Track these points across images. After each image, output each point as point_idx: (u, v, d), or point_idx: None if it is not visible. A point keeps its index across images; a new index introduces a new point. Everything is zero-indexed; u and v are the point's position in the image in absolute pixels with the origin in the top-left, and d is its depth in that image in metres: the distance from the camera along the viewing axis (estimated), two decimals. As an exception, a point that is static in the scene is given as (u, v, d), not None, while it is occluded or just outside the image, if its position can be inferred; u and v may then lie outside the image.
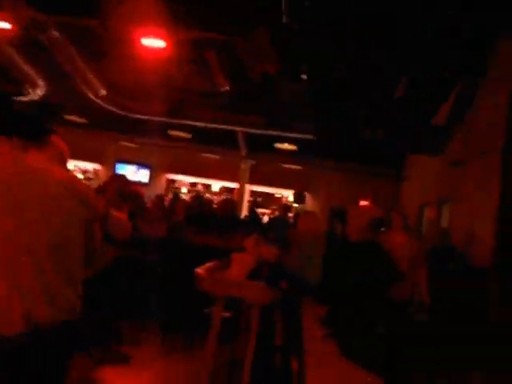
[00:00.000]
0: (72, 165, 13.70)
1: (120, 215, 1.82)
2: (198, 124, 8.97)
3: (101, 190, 4.24)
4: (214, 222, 6.58)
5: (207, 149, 12.45)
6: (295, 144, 9.00)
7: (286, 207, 9.15)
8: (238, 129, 9.60)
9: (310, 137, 8.20)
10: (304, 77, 7.78)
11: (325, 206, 12.77)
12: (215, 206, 10.19)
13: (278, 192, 13.54)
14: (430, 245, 7.24)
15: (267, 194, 13.70)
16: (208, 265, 2.68)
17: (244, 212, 12.90)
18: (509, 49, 5.79)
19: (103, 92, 8.68)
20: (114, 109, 8.74)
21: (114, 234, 1.86)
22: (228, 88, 5.34)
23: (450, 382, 3.30)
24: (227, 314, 4.44)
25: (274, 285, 2.58)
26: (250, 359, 2.35)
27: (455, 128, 7.67)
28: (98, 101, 8.64)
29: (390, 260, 3.30)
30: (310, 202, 12.80)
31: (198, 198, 9.09)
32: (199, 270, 2.41)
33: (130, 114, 8.89)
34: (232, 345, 3.03)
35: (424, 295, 4.16)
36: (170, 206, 7.44)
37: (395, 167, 12.00)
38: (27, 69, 7.99)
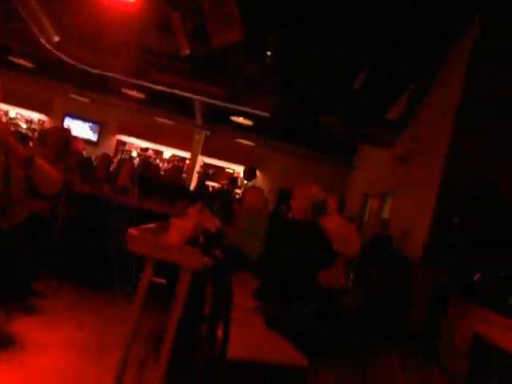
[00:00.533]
0: (14, 112, 12.94)
1: (47, 166, 1.67)
2: (155, 86, 8.66)
3: (40, 139, 4.01)
4: (159, 188, 6.46)
5: (162, 113, 12.14)
6: (251, 119, 8.94)
7: (234, 180, 9.13)
8: (195, 97, 9.37)
9: (266, 114, 8.16)
10: (269, 53, 7.71)
11: (274, 187, 12.90)
12: (163, 172, 10.02)
13: (230, 167, 13.49)
14: (371, 233, 7.54)
15: (218, 167, 13.62)
16: (143, 226, 2.61)
17: (193, 183, 12.77)
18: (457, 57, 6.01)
19: (56, 38, 8.15)
20: (65, 58, 8.24)
21: (40, 186, 1.71)
22: (189, 52, 5.17)
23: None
24: (162, 281, 4.42)
25: (208, 253, 2.56)
26: (174, 326, 2.32)
27: (405, 124, 7.93)
28: (50, 47, 8.11)
29: (328, 243, 3.37)
30: (260, 181, 12.87)
31: (146, 162, 8.87)
32: (132, 230, 2.34)
33: (83, 66, 8.43)
34: (165, 313, 2.99)
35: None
36: (117, 168, 7.21)
37: (346, 156, 12.27)
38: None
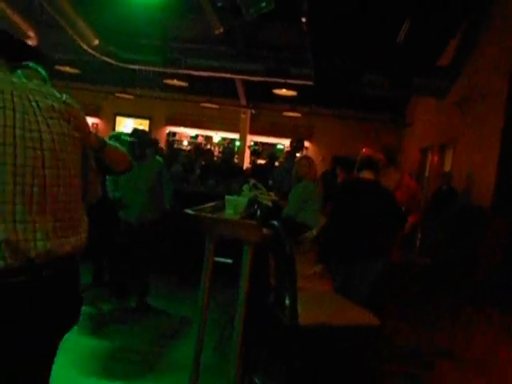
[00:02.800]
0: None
1: (115, 147, 1.72)
2: (193, 72, 8.73)
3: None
4: (213, 171, 6.56)
5: (206, 99, 12.23)
6: (294, 89, 8.79)
7: (289, 155, 9.00)
8: (235, 77, 9.36)
9: (309, 83, 7.97)
10: (303, 19, 7.47)
11: (327, 155, 12.68)
12: (216, 157, 10.14)
13: (280, 141, 13.41)
14: (433, 189, 7.24)
15: (269, 144, 13.57)
16: (200, 207, 2.65)
17: (246, 163, 12.84)
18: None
19: (96, 41, 8.39)
20: (107, 59, 8.48)
21: (113, 165, 1.76)
22: (222, 30, 5.11)
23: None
24: (228, 261, 4.51)
25: (266, 224, 2.55)
26: (244, 299, 2.35)
27: (459, 69, 7.44)
28: (91, 51, 8.37)
29: (394, 199, 3.29)
30: (311, 151, 12.69)
31: (198, 148, 9.02)
32: (188, 210, 2.38)
33: (123, 64, 8.64)
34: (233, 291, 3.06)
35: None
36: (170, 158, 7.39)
37: (398, 113, 11.78)
38: (17, 20, 7.69)
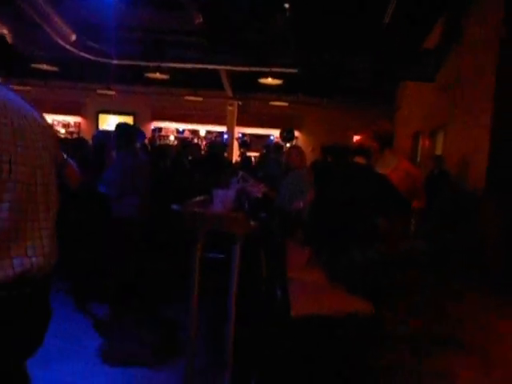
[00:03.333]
0: (51, 119, 13.44)
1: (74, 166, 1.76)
2: (177, 65, 8.69)
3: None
4: (200, 165, 6.54)
5: (191, 91, 12.17)
6: (280, 78, 8.79)
7: (278, 146, 9.03)
8: (219, 67, 9.33)
9: (294, 71, 7.98)
10: (287, 5, 7.45)
11: (316, 145, 12.70)
12: (203, 150, 10.11)
13: (268, 132, 13.41)
14: (425, 173, 7.29)
15: (257, 135, 13.56)
16: (187, 202, 2.65)
17: (235, 156, 12.83)
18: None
19: (73, 37, 8.32)
20: (85, 54, 8.41)
21: (71, 182, 1.79)
22: (201, 19, 5.10)
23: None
24: (220, 256, 4.51)
25: (254, 217, 2.57)
26: (234, 291, 2.37)
27: (446, 52, 7.48)
28: (68, 47, 8.29)
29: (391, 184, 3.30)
30: (301, 141, 12.71)
31: (185, 143, 8.99)
32: (175, 207, 2.39)
33: (102, 59, 8.58)
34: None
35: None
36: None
37: (387, 98, 11.82)
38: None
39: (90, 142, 5.18)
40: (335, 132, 11.73)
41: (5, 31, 8.09)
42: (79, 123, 13.84)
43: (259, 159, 8.09)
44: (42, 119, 1.44)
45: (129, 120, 13.31)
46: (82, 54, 8.57)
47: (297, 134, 12.60)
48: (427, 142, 8.70)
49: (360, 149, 3.37)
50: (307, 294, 2.35)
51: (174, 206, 2.38)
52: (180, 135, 13.74)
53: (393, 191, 3.24)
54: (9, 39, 8.26)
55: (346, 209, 2.98)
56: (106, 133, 4.60)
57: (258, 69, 8.44)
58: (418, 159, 9.39)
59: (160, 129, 13.88)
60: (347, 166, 3.32)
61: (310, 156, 8.72)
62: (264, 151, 8.39)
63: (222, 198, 2.92)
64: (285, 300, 2.20)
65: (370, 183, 3.20)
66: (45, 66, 9.49)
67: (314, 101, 12.26)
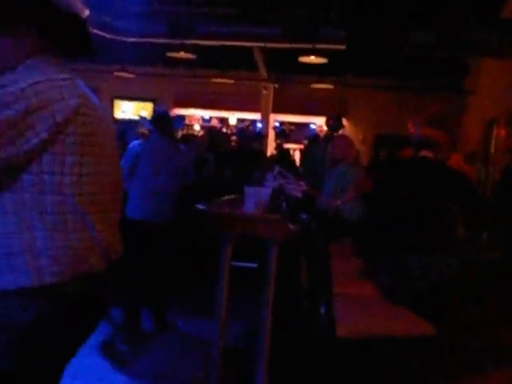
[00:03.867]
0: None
1: None
2: (203, 42, 8.75)
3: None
4: (229, 159, 6.59)
5: (219, 73, 12.20)
6: (324, 56, 8.71)
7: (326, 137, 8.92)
8: (253, 44, 9.33)
9: (341, 47, 7.89)
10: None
11: (369, 134, 12.55)
12: (233, 141, 10.16)
13: (310, 120, 13.33)
14: (501, 167, 7.07)
15: (296, 123, 13.50)
16: (214, 202, 2.68)
17: (270, 148, 12.82)
18: None
19: (86, 12, 8.51)
20: (99, 32, 8.58)
21: None
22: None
23: None
24: (254, 265, 4.53)
25: (293, 219, 2.56)
26: (271, 304, 2.38)
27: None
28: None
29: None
30: (348, 130, 12.57)
31: (212, 132, 9.06)
32: (201, 206, 2.41)
33: (120, 37, 8.74)
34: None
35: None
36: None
37: (454, 79, 11.52)
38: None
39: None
40: (390, 119, 11.54)
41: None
42: (93, 110, 14.16)
43: (304, 153, 8.04)
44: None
45: (148, 107, 13.54)
46: (96, 31, 8.75)
47: (344, 121, 12.46)
48: (503, 132, 8.45)
49: (427, 141, 3.33)
50: (356, 311, 2.33)
51: (199, 206, 2.40)
52: (206, 124, 13.85)
53: (472, 191, 3.17)
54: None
55: (415, 209, 2.93)
56: (127, 122, 4.79)
57: (298, 45, 8.39)
58: (492, 151, 9.12)
59: (183, 117, 14.02)
60: (415, 161, 3.27)
61: (360, 147, 8.63)
62: (307, 143, 8.33)
63: (256, 197, 2.92)
64: (330, 317, 2.19)
65: (444, 180, 3.15)
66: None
67: (364, 82, 12.09)
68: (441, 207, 3.08)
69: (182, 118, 5.42)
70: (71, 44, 1.54)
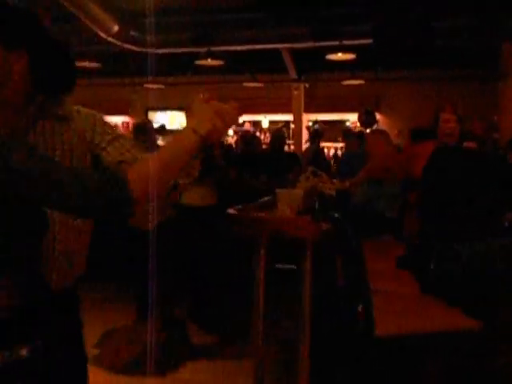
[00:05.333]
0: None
1: None
2: (230, 48, 8.82)
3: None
4: (262, 162, 6.60)
5: (248, 77, 12.26)
6: (352, 52, 8.65)
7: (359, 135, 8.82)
8: (280, 46, 9.35)
9: (369, 41, 7.81)
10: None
11: (404, 127, 12.33)
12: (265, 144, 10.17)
13: (343, 118, 13.22)
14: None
15: (330, 122, 13.41)
16: (246, 205, 2.68)
17: (304, 148, 12.77)
18: None
19: (115, 28, 8.69)
20: (129, 46, 8.76)
21: None
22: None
23: None
24: (291, 267, 4.52)
25: (326, 219, 2.54)
26: (308, 308, 2.36)
27: None
28: (111, 39, 8.68)
29: None
30: (382, 125, 12.39)
31: (247, 136, 9.09)
32: (232, 211, 2.42)
33: (149, 50, 8.88)
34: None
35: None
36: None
37: (488, 65, 11.20)
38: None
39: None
40: (425, 111, 11.30)
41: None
42: (127, 123, 14.44)
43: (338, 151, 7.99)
44: None
45: (181, 116, 13.70)
46: (126, 45, 8.93)
47: (377, 116, 12.30)
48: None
49: (469, 134, 3.30)
50: (395, 309, 2.29)
51: (230, 211, 2.40)
52: (239, 128, 13.90)
53: None
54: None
55: (464, 198, 2.86)
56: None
57: (324, 43, 8.35)
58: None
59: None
60: (460, 149, 3.23)
61: (396, 141, 8.48)
62: (341, 140, 8.25)
63: (288, 199, 2.92)
64: (368, 316, 2.15)
65: (493, 168, 3.09)
66: (87, 63, 10.00)
67: (395, 75, 11.91)
68: (490, 194, 3.03)
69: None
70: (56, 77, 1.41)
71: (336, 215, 2.39)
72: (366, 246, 2.68)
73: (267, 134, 13.41)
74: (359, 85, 12.20)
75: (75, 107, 1.52)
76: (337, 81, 12.18)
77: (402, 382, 2.11)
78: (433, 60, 10.31)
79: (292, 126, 13.51)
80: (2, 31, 1.27)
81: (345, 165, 7.02)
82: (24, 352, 1.22)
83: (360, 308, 2.26)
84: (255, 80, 12.09)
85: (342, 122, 13.36)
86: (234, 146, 8.63)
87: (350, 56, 8.73)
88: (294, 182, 4.31)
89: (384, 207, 4.37)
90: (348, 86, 12.20)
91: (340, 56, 8.67)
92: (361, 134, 8.23)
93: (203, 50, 8.90)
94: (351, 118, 12.96)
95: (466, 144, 3.40)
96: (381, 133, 4.78)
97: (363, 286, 2.24)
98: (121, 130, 14.55)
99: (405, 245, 3.33)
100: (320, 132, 12.49)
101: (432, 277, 2.81)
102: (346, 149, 8.58)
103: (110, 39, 8.75)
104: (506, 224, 3.37)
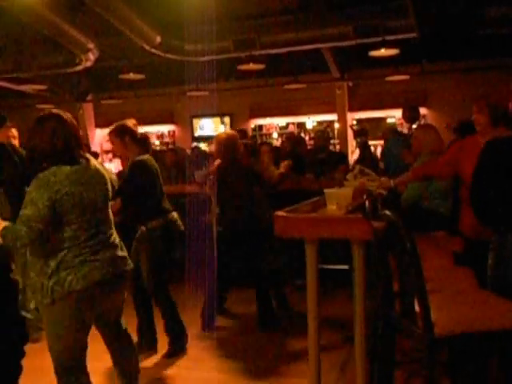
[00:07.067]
0: (143, 131, 14.45)
1: None
2: (271, 51, 8.84)
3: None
4: (308, 161, 6.57)
5: (291, 79, 12.24)
6: (395, 47, 8.51)
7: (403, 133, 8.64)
8: (322, 45, 9.29)
9: (412, 35, 7.66)
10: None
11: (452, 120, 11.99)
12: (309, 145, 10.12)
13: (388, 114, 13.00)
14: None
15: (375, 119, 13.22)
16: (293, 207, 2.66)
17: (350, 147, 12.63)
18: None
19: (158, 39, 8.86)
20: (172, 56, 8.90)
21: None
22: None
23: None
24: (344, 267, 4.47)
25: (378, 217, 2.49)
26: (362, 310, 2.32)
27: None
28: (155, 50, 8.86)
29: None
30: (430, 120, 12.12)
31: (294, 138, 9.09)
32: (280, 213, 2.40)
33: (191, 58, 9.01)
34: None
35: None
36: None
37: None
38: (74, 33, 8.37)
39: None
40: (471, 104, 10.95)
41: (90, 45, 8.90)
42: (173, 131, 14.69)
43: (385, 148, 7.86)
44: None
45: (226, 121, 13.82)
46: (168, 55, 9.09)
47: (424, 111, 12.02)
48: None
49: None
50: (455, 307, 2.22)
51: (278, 213, 2.39)
52: (284, 131, 13.90)
53: None
54: (93, 54, 9.08)
55: None
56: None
57: (366, 40, 8.23)
58: None
59: (260, 126, 14.17)
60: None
61: (445, 135, 8.24)
62: (386, 137, 8.11)
63: (337, 198, 2.88)
64: (425, 316, 2.09)
65: None
66: (131, 75, 10.24)
67: (442, 68, 11.60)
68: None
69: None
70: None
71: (388, 213, 2.33)
72: (421, 242, 2.61)
73: (311, 135, 13.34)
74: (404, 80, 11.95)
75: None
76: (381, 77, 11.97)
77: (464, 382, 2.04)
78: (481, 49, 10.00)
79: (336, 125, 13.39)
80: None
81: (388, 163, 6.92)
82: None
83: (417, 307, 2.20)
84: (297, 81, 12.04)
85: (387, 118, 13.13)
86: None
87: (393, 51, 8.58)
88: (340, 181, 4.27)
89: (437, 203, 4.26)
90: (392, 81, 11.98)
91: (383, 52, 8.53)
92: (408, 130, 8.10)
93: (244, 54, 8.95)
94: (397, 115, 12.71)
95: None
96: (428, 128, 4.64)
97: (419, 284, 2.17)
98: (168, 138, 14.73)
99: (461, 240, 3.23)
100: (365, 130, 12.33)
101: (491, 272, 2.71)
102: (393, 145, 8.43)
103: (153, 50, 8.92)
104: None
